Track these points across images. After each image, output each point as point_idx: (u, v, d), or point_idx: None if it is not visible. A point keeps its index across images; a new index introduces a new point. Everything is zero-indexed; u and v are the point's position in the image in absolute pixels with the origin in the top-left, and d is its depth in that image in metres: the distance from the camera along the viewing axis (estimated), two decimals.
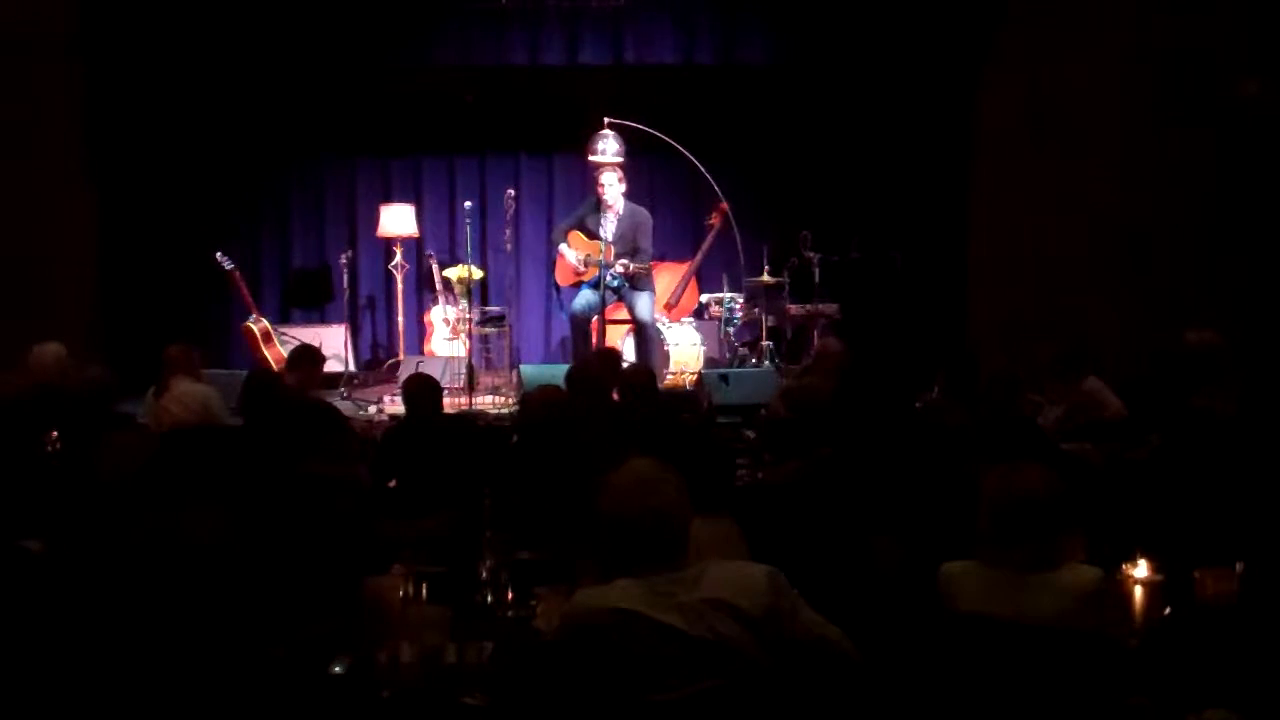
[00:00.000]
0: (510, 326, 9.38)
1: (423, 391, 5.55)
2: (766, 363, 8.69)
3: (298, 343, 7.86)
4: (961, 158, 9.26)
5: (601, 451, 4.18)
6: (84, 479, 3.98)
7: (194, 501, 2.64)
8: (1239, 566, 3.39)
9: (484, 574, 3.47)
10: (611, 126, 8.77)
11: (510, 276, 9.78)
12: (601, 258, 8.23)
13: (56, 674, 2.51)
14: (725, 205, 9.03)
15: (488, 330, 9.27)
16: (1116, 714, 2.80)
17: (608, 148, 8.73)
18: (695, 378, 8.40)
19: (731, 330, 9.03)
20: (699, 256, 9.33)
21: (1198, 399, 5.10)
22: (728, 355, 9.01)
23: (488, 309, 9.59)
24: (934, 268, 9.43)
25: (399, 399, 6.54)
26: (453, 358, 8.96)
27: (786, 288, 8.94)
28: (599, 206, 8.53)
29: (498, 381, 8.78)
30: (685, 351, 8.76)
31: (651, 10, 9.25)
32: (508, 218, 9.13)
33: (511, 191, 9.16)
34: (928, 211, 9.43)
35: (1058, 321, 8.04)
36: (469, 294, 9.07)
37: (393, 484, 5.15)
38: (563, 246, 8.75)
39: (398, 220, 9.69)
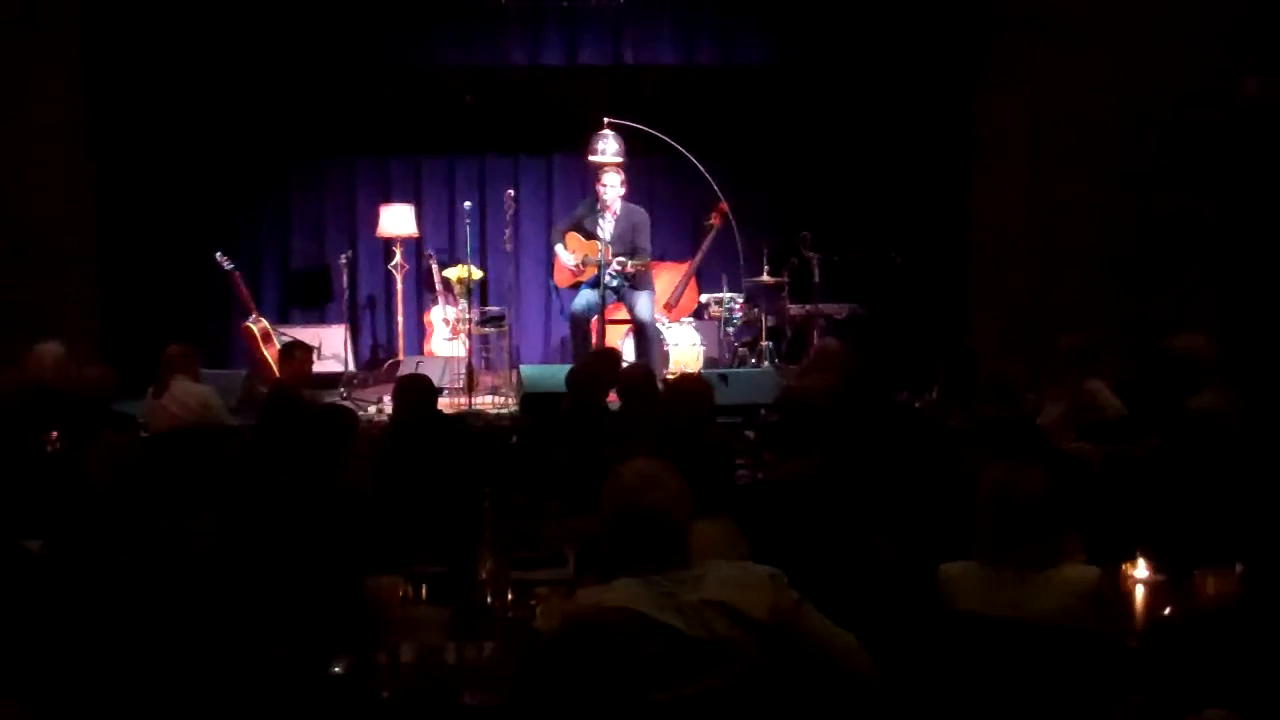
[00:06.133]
0: (510, 327, 9.37)
1: (416, 392, 5.51)
2: (766, 363, 8.69)
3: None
4: (961, 157, 9.25)
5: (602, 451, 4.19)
6: (83, 479, 3.98)
7: (192, 502, 2.64)
8: (1239, 566, 3.40)
9: (484, 574, 3.47)
10: (611, 126, 8.77)
11: (510, 276, 9.78)
12: (600, 257, 8.23)
13: (57, 674, 2.51)
14: (725, 205, 9.03)
15: (487, 330, 9.26)
16: (1116, 714, 2.80)
17: (608, 148, 8.72)
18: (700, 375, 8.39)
19: (731, 330, 9.03)
20: (699, 256, 9.33)
21: (1195, 401, 5.10)
22: (727, 355, 9.01)
23: (487, 309, 9.59)
24: (934, 268, 9.43)
25: None
26: (452, 358, 8.96)
27: (786, 288, 8.94)
28: (596, 206, 8.53)
29: (497, 382, 8.78)
30: (685, 351, 8.76)
31: (651, 10, 9.25)
32: (507, 218, 9.13)
33: (511, 192, 9.15)
34: (927, 212, 9.43)
35: (1056, 322, 8.04)
36: (469, 294, 9.07)
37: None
38: (558, 248, 8.75)
39: (397, 220, 9.69)
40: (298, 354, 6.65)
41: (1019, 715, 2.83)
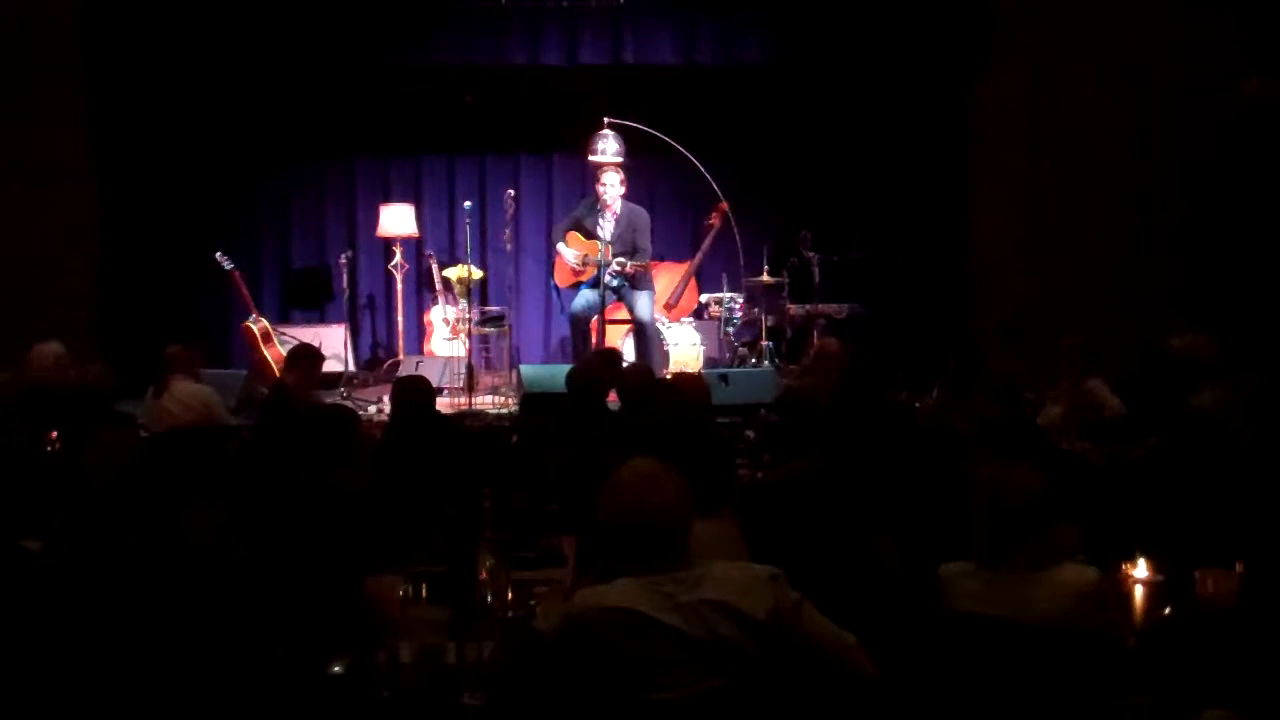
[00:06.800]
0: (510, 326, 9.37)
1: (413, 393, 5.50)
2: (766, 363, 8.69)
3: (297, 342, 7.86)
4: (961, 157, 9.26)
5: (602, 451, 4.18)
6: (83, 479, 3.98)
7: (192, 501, 2.64)
8: (1239, 566, 3.39)
9: (484, 574, 3.47)
10: (611, 126, 8.77)
11: (510, 276, 9.78)
12: (600, 257, 8.23)
13: (57, 674, 2.51)
14: (725, 205, 9.03)
15: (487, 330, 9.26)
16: (1116, 714, 2.80)
17: (608, 148, 8.73)
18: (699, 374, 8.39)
19: (731, 330, 9.03)
20: (699, 256, 9.33)
21: (1195, 401, 5.10)
22: (728, 355, 9.01)
23: (487, 309, 9.59)
24: (934, 268, 9.43)
25: None
26: (452, 358, 8.96)
27: (786, 288, 8.94)
28: (596, 206, 8.53)
29: (497, 381, 8.78)
30: (685, 351, 8.76)
31: (651, 10, 9.25)
32: (508, 218, 9.13)
33: (511, 191, 9.16)
34: (927, 211, 9.43)
35: (1056, 322, 8.04)
36: (469, 294, 9.07)
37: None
38: (561, 246, 8.75)
39: (397, 220, 9.69)
40: (305, 360, 6.55)
41: (1019, 716, 2.83)
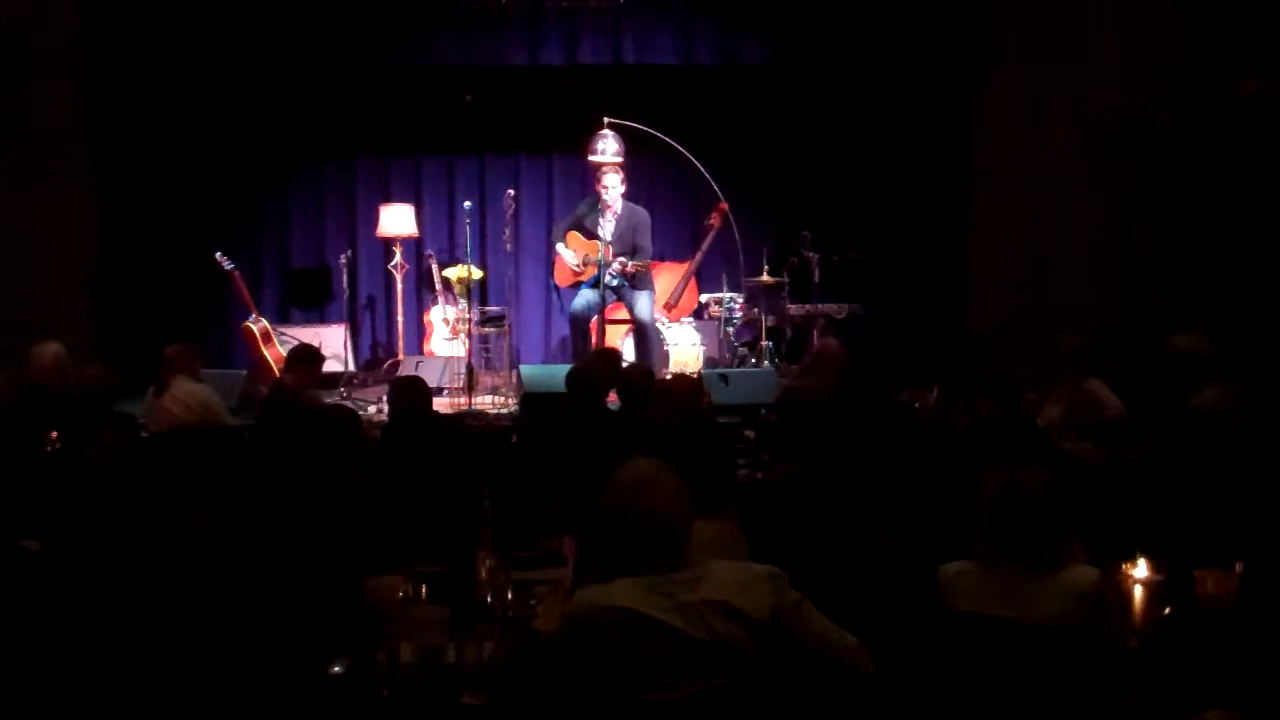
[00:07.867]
0: (510, 326, 9.37)
1: (410, 394, 5.51)
2: (766, 363, 8.69)
3: (297, 342, 7.86)
4: (961, 157, 9.26)
5: (602, 452, 4.18)
6: (82, 479, 3.98)
7: (192, 501, 2.64)
8: (1239, 566, 3.40)
9: (484, 574, 3.47)
10: (611, 126, 8.77)
11: (510, 276, 9.78)
12: (600, 257, 8.23)
13: (56, 674, 2.51)
14: (725, 205, 9.03)
15: (487, 330, 9.26)
16: (1116, 714, 2.80)
17: (608, 148, 8.73)
18: (695, 377, 8.39)
19: (731, 330, 9.04)
20: (699, 256, 9.33)
21: (1195, 400, 5.10)
22: (727, 355, 9.01)
23: (487, 309, 9.59)
24: (934, 268, 9.44)
25: None
26: (452, 358, 8.96)
27: (786, 288, 8.94)
28: (597, 206, 8.53)
29: (497, 381, 8.78)
30: (685, 351, 8.76)
31: (651, 10, 9.25)
32: (507, 218, 9.13)
33: (511, 191, 9.16)
34: (927, 211, 9.44)
35: (1056, 323, 8.04)
36: (468, 294, 9.08)
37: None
38: (560, 247, 8.76)
39: (397, 220, 9.69)
40: (305, 360, 6.53)
41: (1018, 716, 2.83)
